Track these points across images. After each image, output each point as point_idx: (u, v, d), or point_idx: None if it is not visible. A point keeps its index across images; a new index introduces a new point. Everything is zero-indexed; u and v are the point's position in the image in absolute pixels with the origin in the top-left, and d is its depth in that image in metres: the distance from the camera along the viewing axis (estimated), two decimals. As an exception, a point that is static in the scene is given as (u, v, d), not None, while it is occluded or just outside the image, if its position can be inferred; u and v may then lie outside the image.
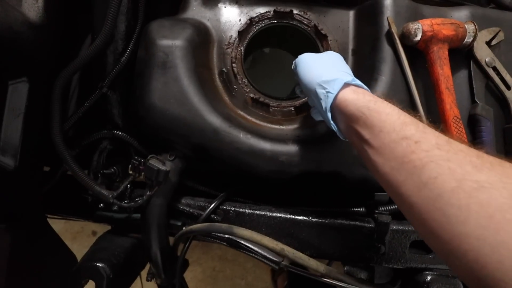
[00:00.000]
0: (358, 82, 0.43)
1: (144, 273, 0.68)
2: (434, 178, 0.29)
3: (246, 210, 0.60)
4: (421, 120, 0.36)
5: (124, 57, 0.60)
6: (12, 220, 0.52)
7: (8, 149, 0.51)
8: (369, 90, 0.44)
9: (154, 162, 0.56)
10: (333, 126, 0.45)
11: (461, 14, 0.62)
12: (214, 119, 0.56)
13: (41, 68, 0.55)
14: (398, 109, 0.38)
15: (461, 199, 0.27)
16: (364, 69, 0.62)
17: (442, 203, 0.28)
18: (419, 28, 0.56)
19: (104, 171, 0.65)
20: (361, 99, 0.39)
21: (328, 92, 0.42)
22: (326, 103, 0.42)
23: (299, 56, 0.51)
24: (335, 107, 0.42)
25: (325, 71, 0.44)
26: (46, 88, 0.57)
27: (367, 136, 0.37)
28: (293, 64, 0.53)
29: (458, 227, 0.27)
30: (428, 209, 0.30)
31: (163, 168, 0.55)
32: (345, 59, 0.63)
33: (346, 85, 0.42)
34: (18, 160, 0.52)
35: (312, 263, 0.51)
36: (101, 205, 0.66)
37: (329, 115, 0.43)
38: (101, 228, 1.45)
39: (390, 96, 0.57)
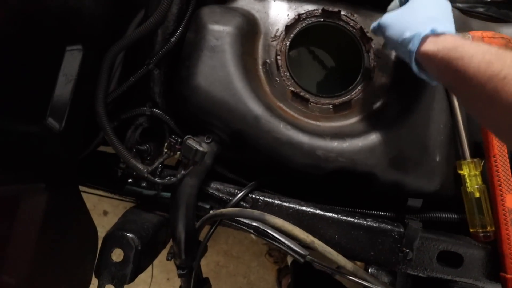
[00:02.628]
0: (439, 29, 0.43)
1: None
2: None
3: (275, 201, 0.60)
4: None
5: (174, 38, 0.62)
6: (50, 181, 0.54)
7: (56, 112, 0.53)
8: (452, 33, 0.43)
9: (192, 142, 0.57)
10: (423, 77, 0.47)
11: (509, 30, 0.62)
12: (256, 107, 0.57)
13: (95, 38, 0.57)
14: (484, 46, 0.37)
15: None
16: (405, 75, 0.62)
17: None
18: (469, 39, 0.56)
19: (138, 147, 0.66)
20: (441, 50, 0.40)
21: (410, 50, 0.44)
22: (411, 59, 0.45)
23: (383, 17, 0.51)
24: (421, 60, 0.44)
25: (405, 28, 0.45)
26: (97, 59, 0.59)
27: (454, 84, 0.40)
28: (375, 25, 0.54)
29: None
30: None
31: (201, 148, 0.56)
32: (387, 64, 0.65)
33: (426, 37, 0.43)
34: (64, 124, 0.54)
35: (341, 259, 0.51)
36: (130, 180, 0.67)
37: (416, 68, 0.46)
38: (113, 208, 1.48)
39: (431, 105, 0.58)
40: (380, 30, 0.52)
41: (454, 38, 0.41)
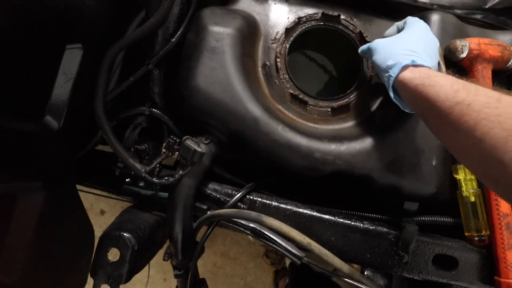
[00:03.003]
0: (418, 61, 0.47)
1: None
2: (487, 133, 0.34)
3: (273, 203, 0.60)
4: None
5: (174, 38, 0.62)
6: (48, 179, 0.54)
7: (55, 110, 0.53)
8: (429, 66, 0.47)
9: (190, 143, 0.57)
10: (397, 102, 0.52)
11: (506, 38, 0.63)
12: (255, 109, 0.57)
13: (95, 37, 0.57)
14: (453, 78, 0.41)
15: (508, 148, 0.32)
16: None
17: (499, 152, 0.33)
18: (466, 46, 0.57)
19: (137, 146, 0.66)
20: (418, 77, 0.45)
21: (389, 75, 0.49)
22: (389, 84, 0.49)
23: (374, 42, 0.55)
24: (397, 87, 0.49)
25: (389, 56, 0.50)
26: (96, 59, 0.59)
27: (425, 110, 0.43)
28: (364, 48, 0.57)
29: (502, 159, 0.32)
30: (488, 161, 0.34)
31: (199, 149, 0.56)
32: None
33: (405, 67, 0.47)
34: (62, 122, 0.54)
35: (337, 262, 0.51)
36: (128, 179, 0.67)
37: (392, 93, 0.51)
38: (110, 208, 1.47)
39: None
40: (368, 53, 0.56)
41: (429, 70, 0.46)
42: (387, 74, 0.49)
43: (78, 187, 0.68)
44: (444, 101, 0.39)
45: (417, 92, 0.43)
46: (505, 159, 0.32)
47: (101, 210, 1.44)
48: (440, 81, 0.41)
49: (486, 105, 0.35)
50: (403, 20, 0.57)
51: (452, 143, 0.41)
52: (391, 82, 0.49)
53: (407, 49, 0.49)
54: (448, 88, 0.39)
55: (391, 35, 0.57)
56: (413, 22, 0.55)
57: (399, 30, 0.57)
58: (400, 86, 0.48)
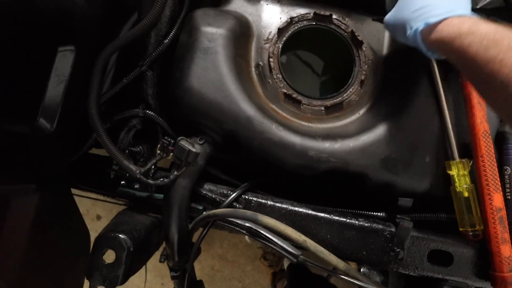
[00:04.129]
0: (431, 20, 0.44)
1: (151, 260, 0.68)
2: None
3: (268, 202, 0.61)
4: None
5: (167, 40, 0.62)
6: (41, 182, 0.53)
7: (48, 113, 0.53)
8: (447, 12, 0.44)
9: (185, 143, 0.57)
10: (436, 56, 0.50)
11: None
12: (248, 108, 0.58)
13: (88, 39, 0.57)
14: (482, 31, 0.38)
15: None
16: (396, 77, 0.63)
17: None
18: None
19: (131, 148, 0.66)
20: (440, 41, 0.42)
21: (417, 45, 0.46)
22: (423, 50, 0.47)
23: (385, 19, 0.53)
24: (428, 48, 0.46)
25: (404, 25, 0.47)
26: (89, 60, 0.59)
27: (460, 66, 0.43)
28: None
29: None
30: None
31: (194, 149, 0.56)
32: (378, 67, 0.66)
33: (424, 30, 0.45)
34: (55, 125, 0.54)
35: (333, 259, 0.52)
36: (123, 182, 0.67)
37: (429, 54, 0.48)
38: (106, 213, 1.46)
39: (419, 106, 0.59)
40: (388, 29, 0.55)
41: (449, 28, 0.42)
42: (414, 43, 0.47)
43: (74, 191, 0.68)
44: (475, 59, 0.38)
45: (448, 53, 0.42)
46: None
47: (97, 215, 1.43)
48: (467, 39, 0.39)
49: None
50: None
51: (486, 94, 0.40)
52: (422, 48, 0.47)
53: (417, 7, 0.45)
54: (477, 46, 0.38)
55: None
56: None
57: None
58: (430, 48, 0.46)
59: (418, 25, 0.44)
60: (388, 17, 0.52)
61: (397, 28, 0.50)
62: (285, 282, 1.26)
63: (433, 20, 0.43)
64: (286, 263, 1.31)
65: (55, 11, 0.48)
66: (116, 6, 0.61)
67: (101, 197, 0.77)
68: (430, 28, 0.44)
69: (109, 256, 0.53)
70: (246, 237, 1.43)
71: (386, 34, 0.68)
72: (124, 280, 0.53)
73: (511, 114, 0.37)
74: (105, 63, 0.60)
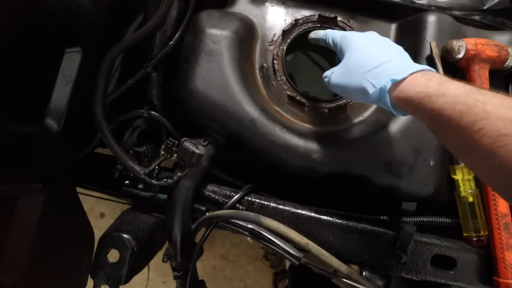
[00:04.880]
0: (398, 77, 0.40)
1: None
2: (506, 162, 0.30)
3: (271, 204, 0.61)
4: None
5: (172, 41, 0.63)
6: (48, 181, 0.54)
7: (54, 113, 0.53)
8: (411, 68, 0.41)
9: (189, 145, 0.57)
10: (394, 111, 0.43)
11: (503, 38, 0.63)
12: (252, 110, 0.58)
13: (94, 41, 0.58)
14: (452, 93, 0.35)
15: None
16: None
17: None
18: (462, 46, 0.57)
19: (136, 149, 0.67)
20: (410, 101, 0.38)
21: (382, 102, 0.42)
22: (388, 107, 0.42)
23: (331, 80, 0.49)
24: (395, 105, 0.42)
25: (363, 83, 0.43)
26: (95, 62, 0.60)
27: (431, 128, 0.38)
28: (329, 39, 0.52)
29: None
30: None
31: (197, 151, 0.56)
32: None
33: (390, 89, 0.41)
34: (62, 125, 0.54)
35: (335, 262, 0.52)
36: (127, 181, 0.68)
37: (395, 112, 0.43)
38: (110, 211, 1.48)
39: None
40: (334, 90, 0.50)
41: (416, 87, 0.38)
42: (377, 101, 0.43)
43: (78, 189, 0.69)
44: (450, 124, 0.34)
45: (419, 114, 0.38)
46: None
47: (101, 213, 1.44)
48: (438, 101, 0.35)
49: (502, 130, 0.30)
50: (329, 38, 0.51)
51: (470, 163, 0.36)
52: (388, 105, 0.42)
53: (374, 66, 0.42)
54: (450, 110, 0.34)
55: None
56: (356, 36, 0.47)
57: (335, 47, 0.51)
58: (398, 106, 0.41)
59: (383, 82, 0.40)
60: (334, 78, 0.48)
61: (351, 89, 0.45)
62: (286, 282, 1.26)
63: (398, 77, 0.39)
64: (287, 263, 1.31)
65: (62, 13, 0.49)
66: (122, 8, 0.62)
67: (105, 196, 0.78)
68: (395, 86, 0.40)
69: (113, 256, 0.53)
70: (248, 237, 1.44)
71: (392, 38, 0.67)
72: (128, 279, 0.54)
73: (496, 180, 0.33)
74: (111, 64, 0.61)
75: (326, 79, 0.51)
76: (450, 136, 0.35)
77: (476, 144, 0.32)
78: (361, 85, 0.43)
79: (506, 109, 0.31)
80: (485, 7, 0.68)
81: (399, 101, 0.40)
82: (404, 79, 0.39)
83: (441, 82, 0.37)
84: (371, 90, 0.42)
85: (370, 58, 0.43)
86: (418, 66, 0.41)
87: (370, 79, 0.42)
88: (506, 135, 0.29)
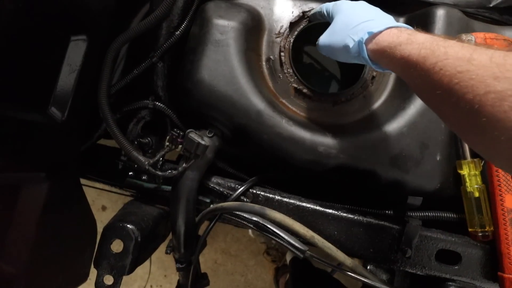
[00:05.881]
0: (375, 29, 0.43)
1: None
2: (461, 97, 0.31)
3: (276, 197, 0.60)
4: None
5: (178, 31, 0.62)
6: (52, 170, 0.54)
7: (59, 102, 0.53)
8: (389, 24, 0.43)
9: (194, 136, 0.57)
10: (378, 69, 0.47)
11: (511, 33, 0.63)
12: (259, 102, 0.57)
13: (100, 29, 0.57)
14: (418, 39, 0.38)
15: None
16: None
17: (474, 117, 0.31)
18: (471, 40, 0.56)
19: (140, 139, 0.66)
20: (383, 48, 0.41)
21: (359, 55, 0.44)
22: (365, 60, 0.44)
23: (337, 2, 0.52)
24: (371, 57, 0.44)
25: (345, 39, 0.46)
26: (101, 51, 0.59)
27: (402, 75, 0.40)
28: (323, 10, 0.55)
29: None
30: (467, 124, 0.33)
31: (203, 142, 0.56)
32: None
33: (368, 40, 0.44)
34: (67, 114, 0.54)
35: (340, 255, 0.51)
36: (131, 173, 0.67)
37: (371, 65, 0.46)
38: (112, 204, 1.48)
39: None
40: (323, 51, 0.53)
41: (389, 37, 0.41)
42: (355, 55, 0.46)
43: (81, 181, 0.69)
44: (418, 66, 0.36)
45: (391, 62, 0.41)
46: (479, 125, 0.30)
47: (102, 206, 1.44)
48: (406, 48, 0.38)
49: (458, 68, 0.32)
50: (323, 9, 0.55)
51: (434, 106, 0.38)
52: (365, 57, 0.44)
53: (358, 22, 0.45)
54: (417, 53, 0.37)
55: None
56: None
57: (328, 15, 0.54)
58: (373, 57, 0.44)
59: (361, 35, 0.44)
60: (322, 40, 0.51)
61: (335, 47, 0.49)
62: (287, 277, 1.27)
63: (374, 30, 0.43)
64: (288, 257, 1.31)
65: (70, 0, 0.48)
66: (128, -3, 0.61)
67: (107, 188, 0.77)
68: (372, 38, 0.43)
69: (117, 246, 0.53)
70: (250, 231, 1.44)
71: (400, 31, 0.66)
72: (131, 270, 0.54)
73: (458, 124, 0.35)
74: (116, 54, 0.60)
75: (317, 43, 0.54)
76: (417, 81, 0.37)
77: (437, 84, 0.34)
78: (344, 42, 0.46)
79: (465, 51, 0.33)
80: (491, 5, 0.67)
81: (375, 53, 0.43)
82: (380, 32, 0.42)
83: (411, 33, 0.40)
84: (351, 44, 0.45)
85: (355, 18, 0.47)
86: (396, 23, 0.44)
87: (351, 35, 0.46)
88: (462, 72, 0.31)
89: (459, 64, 0.32)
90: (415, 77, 0.37)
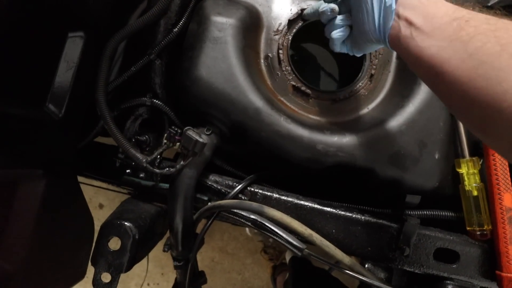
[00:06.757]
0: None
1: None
2: (480, 47, 0.30)
3: (274, 195, 0.60)
4: None
5: (176, 28, 0.61)
6: (49, 168, 0.53)
7: (57, 98, 0.52)
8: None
9: (192, 133, 0.56)
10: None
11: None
12: (257, 99, 0.57)
13: (98, 26, 0.57)
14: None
15: (503, 61, 0.29)
16: (406, 72, 0.62)
17: (485, 68, 0.30)
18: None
19: (138, 137, 0.66)
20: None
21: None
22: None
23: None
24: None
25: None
26: (98, 47, 0.59)
27: (420, 23, 0.37)
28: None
29: (498, 87, 0.28)
30: (470, 78, 0.31)
31: (201, 139, 0.56)
32: (388, 61, 0.65)
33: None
34: (64, 111, 0.54)
35: (338, 253, 0.51)
36: (128, 170, 0.67)
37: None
38: (109, 202, 1.47)
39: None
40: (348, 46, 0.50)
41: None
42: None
43: (78, 179, 0.68)
44: (443, 16, 0.35)
45: (414, 6, 0.38)
46: (489, 74, 0.29)
47: (99, 204, 1.44)
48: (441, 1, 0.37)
49: (486, 20, 0.32)
50: None
51: (436, 61, 0.35)
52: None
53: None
54: (449, 6, 0.36)
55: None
56: None
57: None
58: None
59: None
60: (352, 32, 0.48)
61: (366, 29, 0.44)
62: (285, 275, 1.27)
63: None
64: (288, 257, 1.31)
65: (66, -5, 0.48)
66: (126, -7, 0.61)
67: (104, 185, 0.77)
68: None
69: (114, 244, 0.53)
70: (247, 230, 1.44)
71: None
72: (129, 267, 0.53)
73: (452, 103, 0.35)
74: (114, 50, 0.60)
75: (335, 41, 0.52)
76: (436, 31, 0.36)
77: (459, 33, 0.33)
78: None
79: (492, 17, 0.32)
80: (489, 4, 0.67)
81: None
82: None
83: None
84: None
85: None
86: None
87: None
88: (489, 23, 0.32)
89: (488, 18, 0.31)
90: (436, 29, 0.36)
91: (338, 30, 0.49)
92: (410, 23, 0.39)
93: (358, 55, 0.53)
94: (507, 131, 0.29)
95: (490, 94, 0.29)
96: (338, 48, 0.53)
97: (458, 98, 0.33)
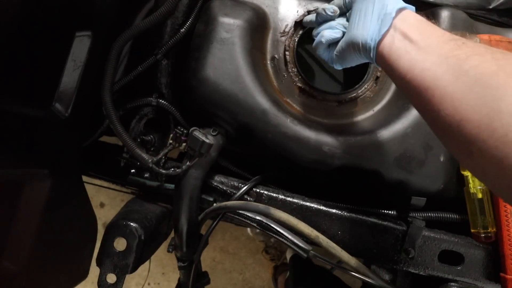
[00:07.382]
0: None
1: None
2: (476, 66, 0.30)
3: (279, 196, 0.60)
4: None
5: (183, 29, 0.61)
6: (54, 167, 0.53)
7: (63, 98, 0.52)
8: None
9: (198, 134, 0.56)
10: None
11: (515, 36, 0.63)
12: (264, 101, 0.57)
13: (105, 25, 0.56)
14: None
15: (500, 80, 0.28)
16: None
17: (480, 85, 0.29)
18: (476, 42, 0.56)
19: (143, 137, 0.66)
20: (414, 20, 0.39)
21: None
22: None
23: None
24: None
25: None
26: (105, 47, 0.59)
27: (416, 38, 0.37)
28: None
29: (492, 105, 0.28)
30: (463, 95, 0.30)
31: (207, 140, 0.56)
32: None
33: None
34: (70, 111, 0.53)
35: (344, 255, 0.51)
36: (133, 170, 0.67)
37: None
38: (110, 201, 1.47)
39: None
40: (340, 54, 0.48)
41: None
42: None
43: (81, 178, 0.68)
44: (440, 36, 0.35)
45: (411, 23, 0.38)
46: (484, 92, 0.28)
47: (101, 202, 1.43)
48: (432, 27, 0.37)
49: (483, 45, 0.32)
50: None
51: (429, 75, 0.34)
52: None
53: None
54: (445, 31, 0.37)
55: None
56: None
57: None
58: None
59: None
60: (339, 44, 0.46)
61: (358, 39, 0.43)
62: (286, 275, 1.27)
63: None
64: (288, 255, 1.31)
65: (74, -5, 0.48)
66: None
67: (105, 184, 0.77)
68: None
69: (120, 244, 0.53)
70: (248, 230, 1.44)
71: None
72: (134, 268, 0.53)
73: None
74: (120, 50, 0.60)
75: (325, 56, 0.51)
76: (432, 47, 0.36)
77: (455, 52, 0.33)
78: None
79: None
80: (491, 7, 0.68)
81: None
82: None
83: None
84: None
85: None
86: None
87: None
88: (486, 47, 0.32)
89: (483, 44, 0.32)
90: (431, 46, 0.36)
91: (332, 31, 0.48)
92: (405, 36, 0.38)
93: (336, 67, 0.50)
94: (496, 151, 0.28)
95: (483, 112, 0.29)
96: (322, 50, 0.51)
97: (446, 115, 0.32)
